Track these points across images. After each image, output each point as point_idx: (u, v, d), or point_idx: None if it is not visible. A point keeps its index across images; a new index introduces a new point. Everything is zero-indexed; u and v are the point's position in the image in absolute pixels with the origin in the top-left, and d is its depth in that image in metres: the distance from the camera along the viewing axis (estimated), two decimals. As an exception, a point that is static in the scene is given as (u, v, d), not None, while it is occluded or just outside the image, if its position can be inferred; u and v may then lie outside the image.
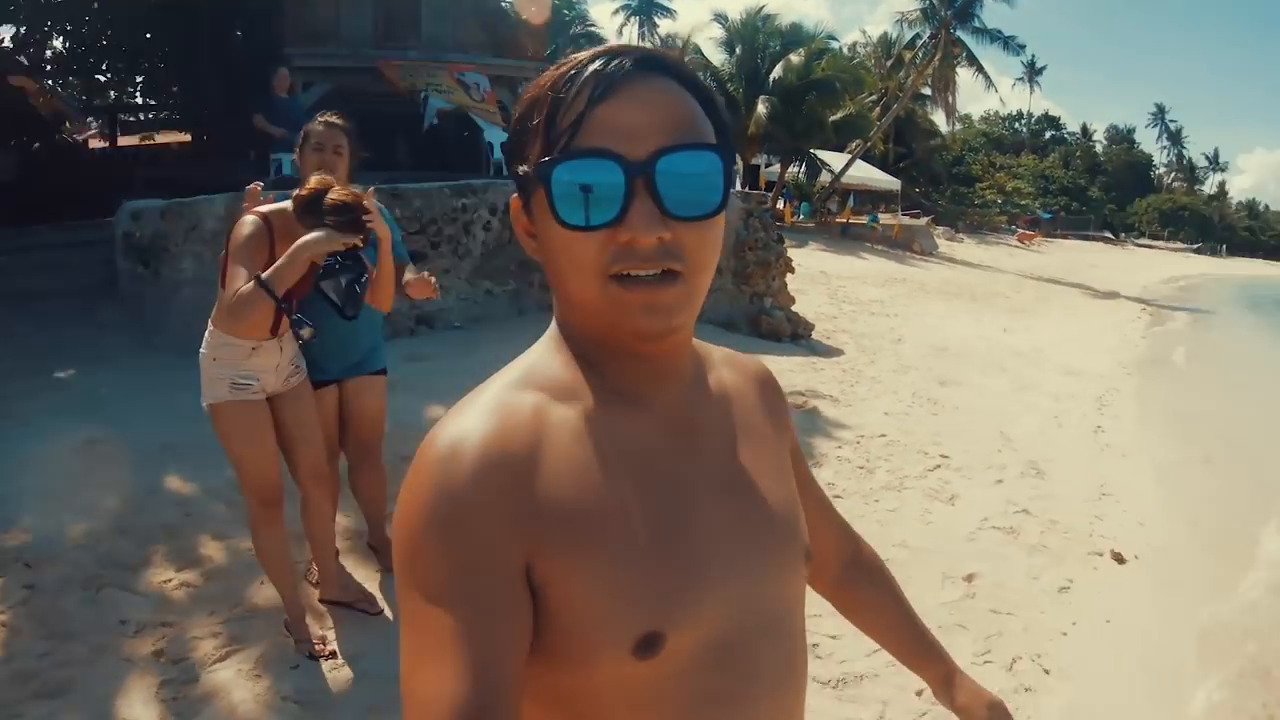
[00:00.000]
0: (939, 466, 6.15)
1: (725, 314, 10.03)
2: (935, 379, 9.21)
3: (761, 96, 27.39)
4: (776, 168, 32.25)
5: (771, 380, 1.10)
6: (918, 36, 34.07)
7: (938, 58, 31.64)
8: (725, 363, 1.05)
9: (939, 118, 43.19)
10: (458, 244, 8.34)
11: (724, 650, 0.86)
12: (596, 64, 0.81)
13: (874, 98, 34.49)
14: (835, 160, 32.19)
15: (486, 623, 0.74)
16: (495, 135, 13.60)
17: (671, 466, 0.88)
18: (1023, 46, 32.52)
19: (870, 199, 35.89)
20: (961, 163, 52.89)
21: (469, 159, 14.47)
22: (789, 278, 10.54)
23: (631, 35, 60.39)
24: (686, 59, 23.10)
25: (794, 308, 10.54)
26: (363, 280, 2.98)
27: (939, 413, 7.82)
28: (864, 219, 30.92)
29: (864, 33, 37.49)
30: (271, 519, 3.12)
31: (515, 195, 0.88)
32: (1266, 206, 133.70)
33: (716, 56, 29.81)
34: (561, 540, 0.79)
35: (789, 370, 8.37)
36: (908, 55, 34.34)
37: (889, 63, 37.78)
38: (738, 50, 29.16)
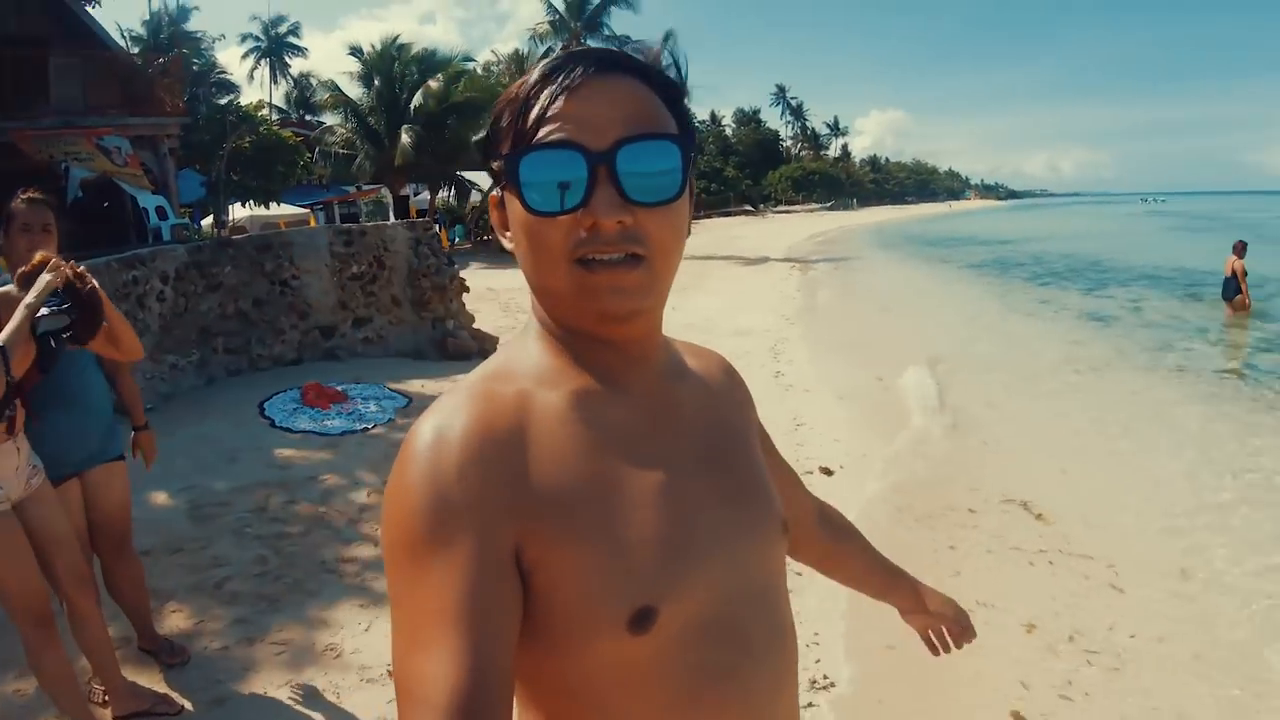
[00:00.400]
0: (646, 435, 6.78)
1: (411, 344, 10.13)
2: (623, 363, 9.86)
3: (404, 126, 27.18)
4: (426, 195, 32.09)
5: (731, 367, 1.16)
6: (550, 49, 35.07)
7: (569, 68, 32.82)
8: (689, 352, 1.10)
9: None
10: (134, 320, 7.73)
11: (714, 623, 0.89)
12: (557, 66, 0.86)
13: (513, 113, 35.05)
14: (485, 179, 32.41)
15: (480, 606, 0.75)
16: (149, 200, 12.80)
17: (653, 447, 0.91)
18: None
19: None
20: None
21: (116, 229, 13.46)
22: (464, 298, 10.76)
23: (264, 78, 57.72)
24: (326, 96, 21.99)
25: (474, 325, 10.76)
26: (61, 336, 2.70)
27: (634, 391, 8.49)
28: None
29: (494, 53, 38.16)
30: (50, 639, 2.86)
31: (494, 192, 0.93)
32: (887, 159, 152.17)
33: (354, 90, 29.07)
34: (552, 521, 0.81)
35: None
36: (542, 68, 35.29)
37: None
38: (376, 82, 28.58)
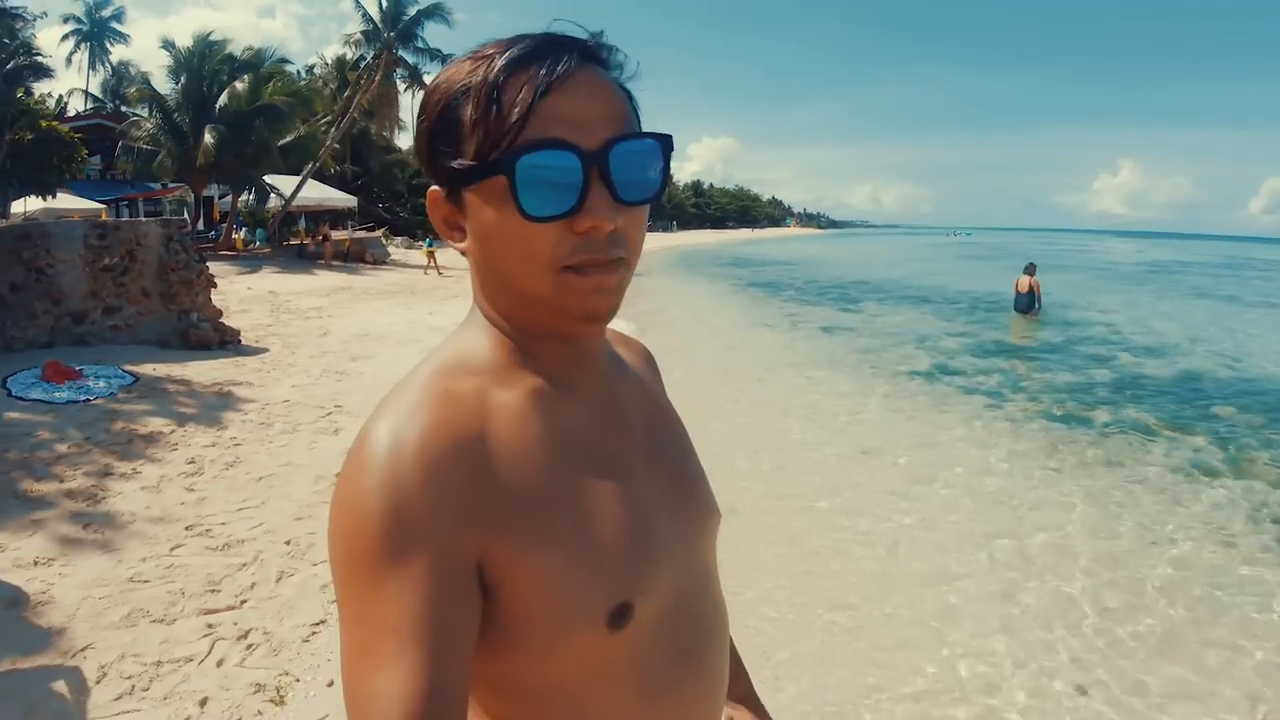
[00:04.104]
0: (331, 413, 8.19)
1: (157, 333, 11.07)
2: (349, 357, 11.26)
3: (208, 125, 27.08)
4: (230, 197, 31.89)
5: (651, 355, 1.15)
6: (363, 57, 35.39)
7: (379, 77, 33.27)
8: (618, 342, 1.08)
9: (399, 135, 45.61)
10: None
11: (675, 611, 0.92)
12: (534, 53, 0.79)
13: (329, 119, 35.23)
14: (290, 184, 32.49)
15: (439, 622, 0.72)
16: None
17: (606, 445, 0.91)
18: (462, 64, 35.17)
19: (330, 218, 37.01)
20: (421, 174, 55.97)
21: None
22: (234, 299, 11.68)
23: (83, 62, 55.72)
24: (135, 90, 21.50)
25: (238, 326, 11.64)
26: None
27: (344, 379, 9.85)
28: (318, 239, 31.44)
29: (320, 55, 37.94)
30: None
31: (434, 187, 0.86)
32: (710, 185, 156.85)
33: (165, 85, 28.63)
34: (520, 527, 0.79)
35: (213, 370, 9.85)
36: (353, 76, 35.78)
37: (336, 85, 39.33)
38: (183, 78, 28.25)
